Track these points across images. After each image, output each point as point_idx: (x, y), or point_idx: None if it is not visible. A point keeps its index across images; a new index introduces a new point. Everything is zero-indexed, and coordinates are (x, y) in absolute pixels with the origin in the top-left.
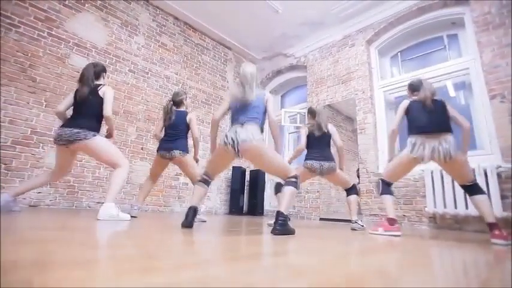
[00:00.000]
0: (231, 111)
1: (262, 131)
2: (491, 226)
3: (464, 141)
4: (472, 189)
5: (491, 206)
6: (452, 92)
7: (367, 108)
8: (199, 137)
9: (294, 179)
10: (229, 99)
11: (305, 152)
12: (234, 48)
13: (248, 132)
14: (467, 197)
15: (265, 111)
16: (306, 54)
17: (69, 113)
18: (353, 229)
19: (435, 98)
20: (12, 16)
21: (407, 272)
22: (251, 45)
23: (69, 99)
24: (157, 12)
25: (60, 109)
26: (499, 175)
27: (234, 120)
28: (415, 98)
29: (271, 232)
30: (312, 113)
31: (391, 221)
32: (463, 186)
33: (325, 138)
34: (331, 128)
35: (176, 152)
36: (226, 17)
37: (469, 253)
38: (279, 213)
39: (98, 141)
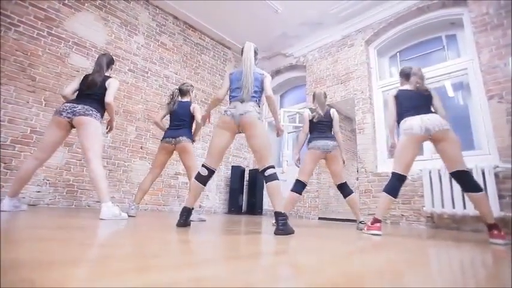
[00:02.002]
0: (231, 88)
1: (259, 106)
2: (491, 226)
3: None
4: (467, 180)
5: (490, 206)
6: (451, 92)
7: (366, 108)
8: (200, 130)
9: (274, 169)
10: (229, 77)
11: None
12: (234, 48)
13: (248, 107)
14: (465, 194)
15: (262, 90)
16: (305, 54)
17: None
18: (361, 229)
19: (425, 86)
20: (12, 15)
21: (406, 271)
22: None
23: (76, 84)
24: (157, 11)
25: (66, 92)
26: (496, 175)
27: (233, 97)
28: (406, 86)
29: (274, 233)
30: (313, 96)
31: (374, 221)
32: (458, 175)
33: (327, 122)
34: (333, 113)
35: (182, 138)
36: (226, 16)
37: (467, 253)
38: (278, 214)
39: (98, 125)
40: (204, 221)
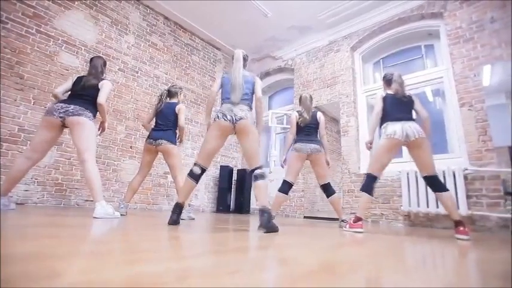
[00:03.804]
0: (224, 90)
1: (251, 109)
2: (457, 223)
3: (425, 129)
4: (435, 183)
5: (455, 204)
6: (431, 97)
7: (350, 111)
8: (186, 128)
9: (262, 170)
10: (221, 79)
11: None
12: (224, 49)
13: (242, 112)
14: (434, 194)
15: (253, 92)
16: (294, 58)
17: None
18: (341, 227)
19: (405, 92)
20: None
21: (380, 261)
22: (240, 47)
23: (68, 84)
24: (148, 11)
25: (58, 92)
26: (465, 177)
27: (226, 99)
28: (389, 91)
29: (258, 228)
30: (299, 100)
31: (356, 219)
32: (428, 179)
33: (313, 125)
34: (320, 117)
35: (163, 141)
36: (217, 18)
37: (436, 246)
38: (262, 210)
39: (90, 125)
40: (193, 219)
